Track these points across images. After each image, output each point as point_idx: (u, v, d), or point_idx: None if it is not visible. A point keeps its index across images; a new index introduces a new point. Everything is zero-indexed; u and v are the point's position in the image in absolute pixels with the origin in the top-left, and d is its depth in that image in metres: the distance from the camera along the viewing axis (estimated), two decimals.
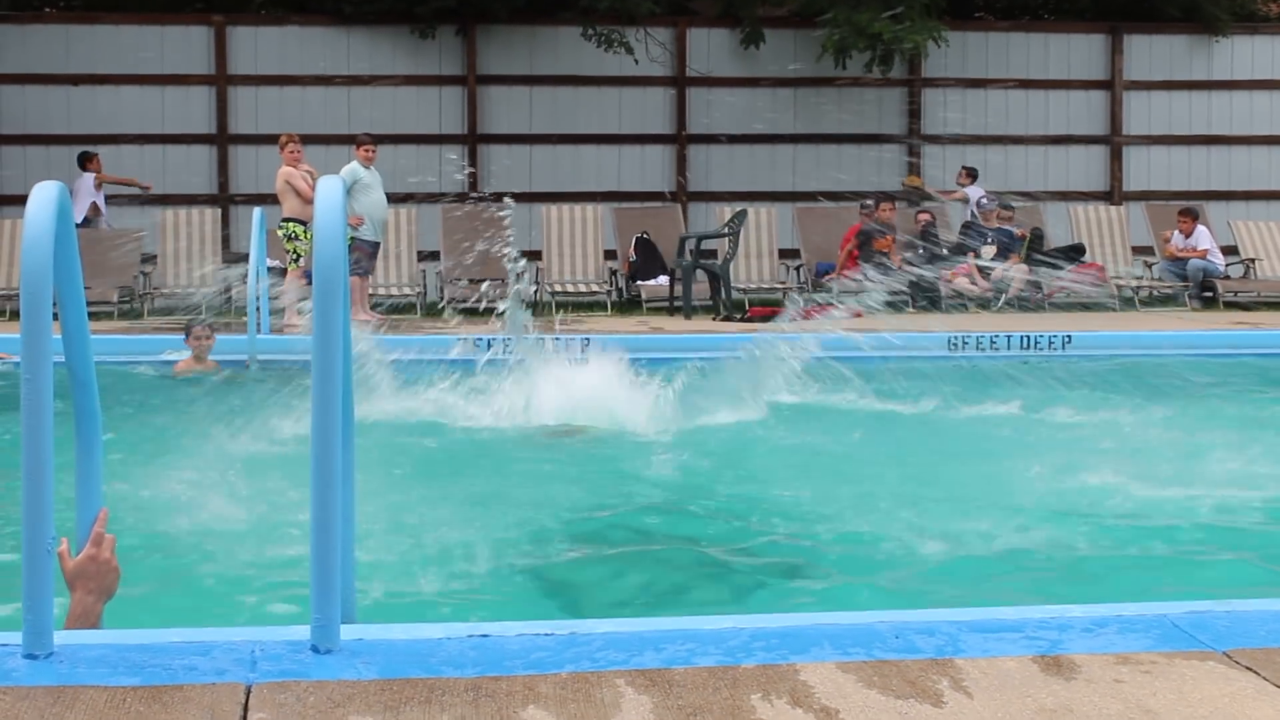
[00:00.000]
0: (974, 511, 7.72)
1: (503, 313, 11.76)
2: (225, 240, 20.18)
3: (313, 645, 3.84)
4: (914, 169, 22.17)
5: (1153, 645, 4.02)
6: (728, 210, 19.64)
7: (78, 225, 17.64)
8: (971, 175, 21.58)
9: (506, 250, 11.29)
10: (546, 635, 4.01)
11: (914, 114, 22.24)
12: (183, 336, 13.26)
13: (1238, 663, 3.88)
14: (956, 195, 21.46)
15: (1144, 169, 22.75)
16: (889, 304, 19.07)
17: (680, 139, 21.76)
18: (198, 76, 20.91)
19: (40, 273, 3.67)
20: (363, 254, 16.73)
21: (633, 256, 19.81)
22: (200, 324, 13.28)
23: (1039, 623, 4.22)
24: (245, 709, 3.45)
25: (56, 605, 3.80)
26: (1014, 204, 20.41)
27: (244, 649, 3.85)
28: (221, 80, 20.92)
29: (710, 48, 21.80)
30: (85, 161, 19.96)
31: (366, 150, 17.01)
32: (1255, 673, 3.80)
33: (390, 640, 3.99)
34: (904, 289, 19.41)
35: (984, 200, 20.20)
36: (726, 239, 18.64)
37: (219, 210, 20.31)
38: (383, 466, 8.54)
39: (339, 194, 4.05)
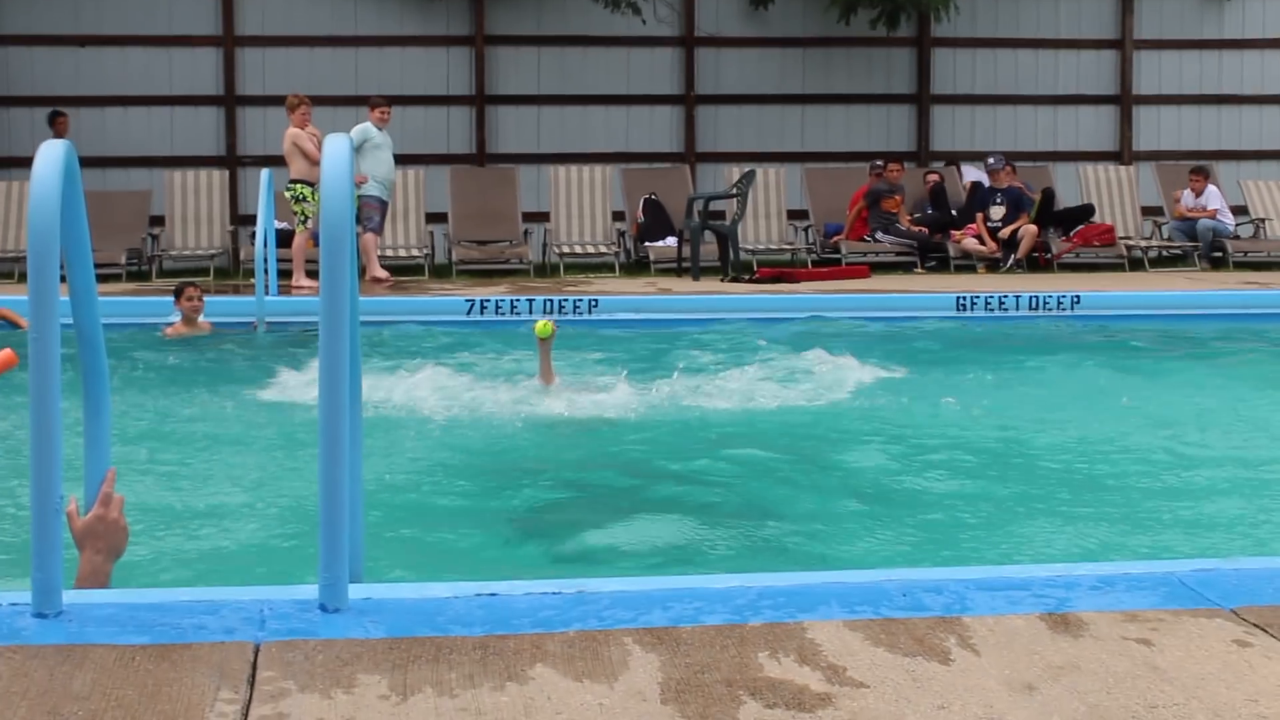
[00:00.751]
0: (981, 471, 7.73)
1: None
2: (233, 202, 20.18)
3: (321, 604, 3.84)
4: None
5: (1160, 603, 4.02)
6: (736, 171, 19.60)
7: None
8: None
9: None
10: (554, 594, 4.01)
11: (923, 74, 22.16)
12: (172, 299, 13.23)
13: (1245, 620, 3.88)
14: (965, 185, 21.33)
15: (1154, 129, 22.67)
16: (897, 264, 19.15)
17: (689, 99, 21.70)
18: (205, 38, 20.87)
19: (46, 232, 3.67)
20: (373, 210, 16.74)
21: (641, 218, 19.79)
22: (189, 286, 13.25)
23: (1047, 581, 4.21)
24: (254, 667, 3.45)
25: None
26: (1019, 164, 20.34)
27: (253, 608, 3.86)
28: (229, 41, 20.88)
29: (718, 8, 21.72)
30: (53, 121, 19.80)
31: (381, 112, 17.02)
32: (1263, 630, 3.80)
33: (398, 599, 3.99)
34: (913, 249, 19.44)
35: (992, 160, 20.13)
36: (735, 200, 18.61)
37: (227, 172, 20.29)
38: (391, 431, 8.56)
39: (346, 151, 4.04)
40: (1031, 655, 3.61)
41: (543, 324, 9.58)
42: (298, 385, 9.83)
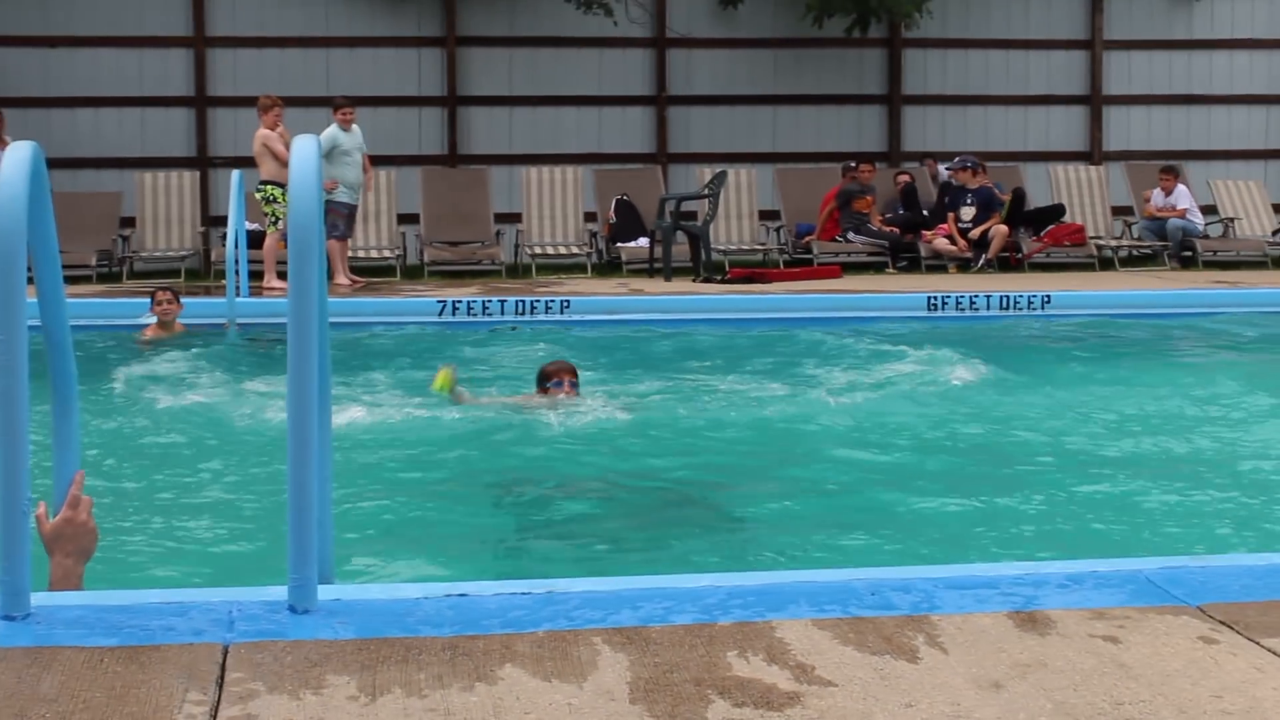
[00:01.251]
0: (951, 471, 7.75)
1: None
2: (204, 203, 20.12)
3: (290, 606, 3.84)
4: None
5: (1127, 600, 4.05)
6: (708, 171, 19.61)
7: None
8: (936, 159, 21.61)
9: None
10: (524, 595, 4.02)
11: (894, 74, 22.20)
12: (148, 303, 13.22)
13: (1211, 617, 3.90)
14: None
15: (1124, 129, 22.75)
16: (869, 264, 19.18)
17: (660, 100, 21.70)
18: (176, 38, 20.80)
19: (13, 234, 3.66)
20: (339, 217, 16.65)
21: (613, 218, 19.79)
22: (160, 291, 13.24)
23: (1015, 579, 4.23)
24: (223, 669, 3.46)
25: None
26: (990, 164, 20.40)
27: (221, 609, 3.86)
28: (200, 42, 20.81)
29: (690, 9, 21.71)
30: None
31: (344, 114, 16.89)
32: (1229, 627, 3.82)
33: (368, 600, 4.00)
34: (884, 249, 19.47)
35: (956, 160, 20.21)
36: (706, 200, 18.62)
37: (198, 173, 20.23)
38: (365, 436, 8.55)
39: (314, 152, 4.04)
40: (999, 653, 3.62)
41: (439, 380, 8.96)
42: (267, 387, 9.81)
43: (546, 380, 9.21)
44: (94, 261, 17.95)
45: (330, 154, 16.38)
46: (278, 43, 20.92)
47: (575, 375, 9.26)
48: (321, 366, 3.97)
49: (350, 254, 17.53)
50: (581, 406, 9.00)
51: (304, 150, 4.04)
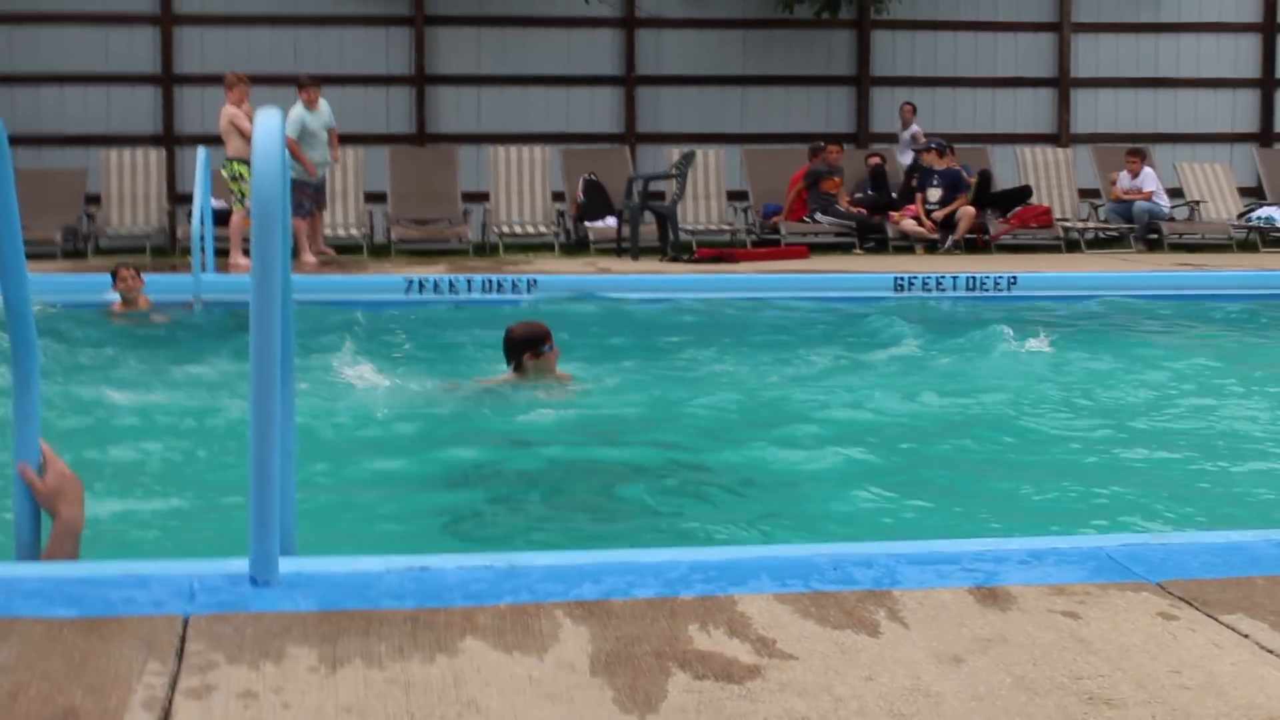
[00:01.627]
0: (913, 448, 7.77)
1: None
2: (170, 181, 20.04)
3: (251, 577, 3.83)
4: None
5: (1088, 577, 4.05)
6: (676, 152, 19.61)
7: None
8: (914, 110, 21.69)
9: None
10: (486, 568, 4.02)
11: (863, 56, 22.21)
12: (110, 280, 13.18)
13: (1171, 593, 3.92)
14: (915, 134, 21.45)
15: (1091, 111, 22.81)
16: (836, 245, 19.21)
17: (629, 80, 21.69)
18: (142, 16, 20.70)
19: None
20: (304, 195, 16.58)
21: (580, 198, 19.78)
22: (122, 268, 13.19)
23: (976, 555, 4.24)
24: (183, 640, 3.44)
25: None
26: (958, 146, 20.45)
27: (182, 581, 3.85)
28: (166, 20, 20.72)
29: None
30: None
31: (309, 93, 16.77)
32: (1188, 603, 3.84)
33: (329, 573, 3.98)
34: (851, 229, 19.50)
35: (924, 141, 20.28)
36: (674, 180, 18.63)
37: (164, 151, 20.15)
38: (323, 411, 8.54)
39: (277, 127, 4.02)
40: (959, 628, 3.63)
41: None
42: (231, 362, 9.79)
43: (539, 344, 8.77)
44: (59, 239, 17.88)
45: (299, 136, 16.32)
46: (245, 21, 20.84)
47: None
48: (284, 341, 3.96)
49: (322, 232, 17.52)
50: (548, 385, 8.96)
51: (267, 124, 4.01)
